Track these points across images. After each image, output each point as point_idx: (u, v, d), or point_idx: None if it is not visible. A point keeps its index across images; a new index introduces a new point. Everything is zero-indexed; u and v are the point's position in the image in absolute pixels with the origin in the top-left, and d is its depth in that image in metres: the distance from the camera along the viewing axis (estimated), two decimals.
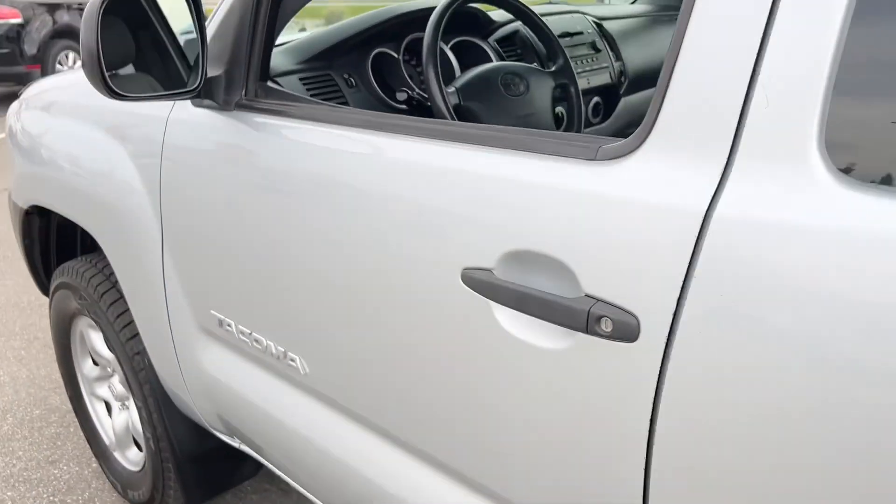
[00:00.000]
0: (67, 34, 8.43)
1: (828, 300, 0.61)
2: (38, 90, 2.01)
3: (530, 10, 1.61)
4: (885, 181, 0.60)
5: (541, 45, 1.73)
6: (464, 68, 1.60)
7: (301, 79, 1.45)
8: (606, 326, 0.74)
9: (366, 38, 1.58)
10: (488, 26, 1.83)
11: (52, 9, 8.27)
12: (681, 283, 0.69)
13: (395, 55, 1.61)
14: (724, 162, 0.68)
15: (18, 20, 7.83)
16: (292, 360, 1.21)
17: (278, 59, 1.49)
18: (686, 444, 0.72)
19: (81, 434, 2.39)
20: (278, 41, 1.43)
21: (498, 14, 1.84)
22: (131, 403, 1.96)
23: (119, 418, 2.06)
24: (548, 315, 0.79)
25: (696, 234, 0.68)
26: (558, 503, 0.86)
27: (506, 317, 0.84)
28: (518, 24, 1.80)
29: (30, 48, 7.92)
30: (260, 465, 1.91)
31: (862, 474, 0.61)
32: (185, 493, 1.75)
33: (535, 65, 1.65)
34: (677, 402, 0.71)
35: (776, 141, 0.64)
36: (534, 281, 0.81)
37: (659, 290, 0.70)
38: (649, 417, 0.74)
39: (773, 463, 0.66)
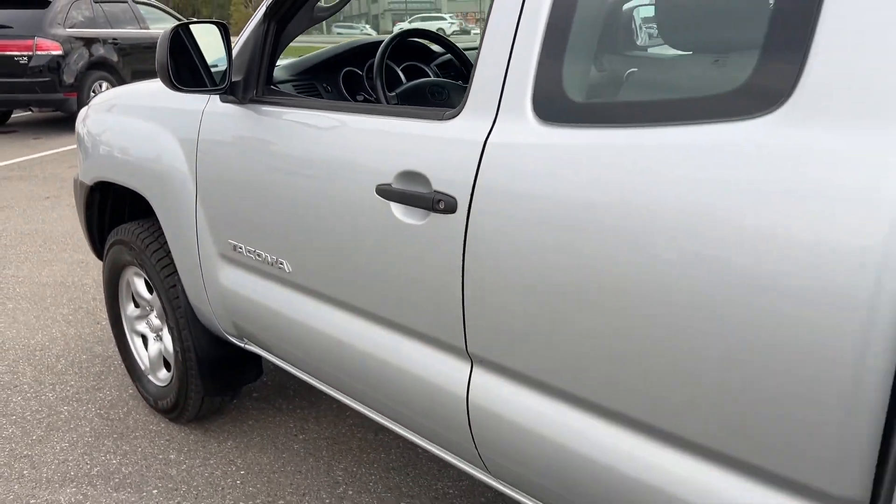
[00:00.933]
0: (102, 66, 9.24)
1: (528, 178, 1.25)
2: (103, 99, 2.69)
3: (454, 44, 2.32)
4: (561, 120, 1.25)
5: (462, 69, 2.41)
6: None
7: (294, 85, 2.14)
8: (441, 205, 1.38)
9: (339, 60, 2.28)
10: (430, 55, 2.54)
11: (89, 43, 9.11)
12: (474, 176, 1.33)
13: (360, 72, 2.29)
14: (494, 116, 1.33)
15: (59, 52, 8.66)
16: (281, 263, 1.86)
17: (278, 72, 2.17)
18: (478, 277, 1.36)
19: (120, 371, 3.03)
20: (279, 61, 2.11)
21: (438, 47, 2.55)
22: (164, 333, 2.60)
23: (153, 347, 2.70)
24: (416, 203, 1.43)
25: (480, 151, 1.33)
26: (416, 319, 1.50)
27: (396, 209, 1.49)
28: (450, 55, 2.49)
29: (68, 77, 8.73)
30: (259, 373, 2.54)
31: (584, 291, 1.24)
32: (204, 388, 2.39)
33: (459, 82, 2.33)
34: (473, 249, 1.35)
35: (514, 104, 1.30)
36: (410, 186, 1.46)
37: (465, 182, 1.35)
38: (461, 258, 1.38)
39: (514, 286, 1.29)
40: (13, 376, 3.03)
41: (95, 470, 2.40)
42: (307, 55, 2.30)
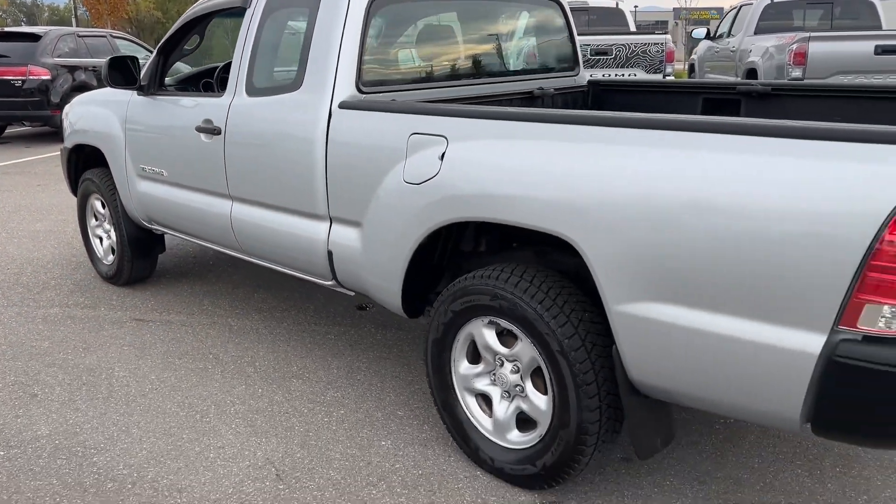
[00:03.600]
0: (83, 88, 11.17)
1: (240, 118, 3.22)
2: (78, 99, 4.64)
3: None
4: (253, 94, 3.20)
5: None
6: None
7: (175, 87, 4.10)
8: (217, 132, 3.33)
9: (202, 74, 4.25)
10: None
11: (73, 70, 11.06)
12: (226, 119, 3.29)
13: (211, 80, 4.26)
14: (234, 93, 3.29)
15: (48, 77, 10.61)
16: (161, 171, 3.79)
17: (169, 80, 4.14)
18: (230, 161, 3.29)
19: (87, 266, 4.94)
20: (169, 74, 4.08)
21: None
22: (112, 233, 4.52)
23: (105, 244, 4.63)
24: (209, 132, 3.37)
25: (228, 108, 3.29)
26: (211, 185, 3.44)
27: (202, 136, 3.43)
28: None
29: (55, 98, 10.66)
30: (163, 248, 4.48)
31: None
32: (132, 255, 4.32)
33: None
34: (227, 150, 3.30)
35: (240, 87, 3.26)
36: (207, 125, 3.40)
37: (223, 121, 3.30)
38: (223, 153, 3.32)
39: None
40: (20, 269, 4.94)
41: (71, 302, 4.31)
42: (187, 71, 4.29)
